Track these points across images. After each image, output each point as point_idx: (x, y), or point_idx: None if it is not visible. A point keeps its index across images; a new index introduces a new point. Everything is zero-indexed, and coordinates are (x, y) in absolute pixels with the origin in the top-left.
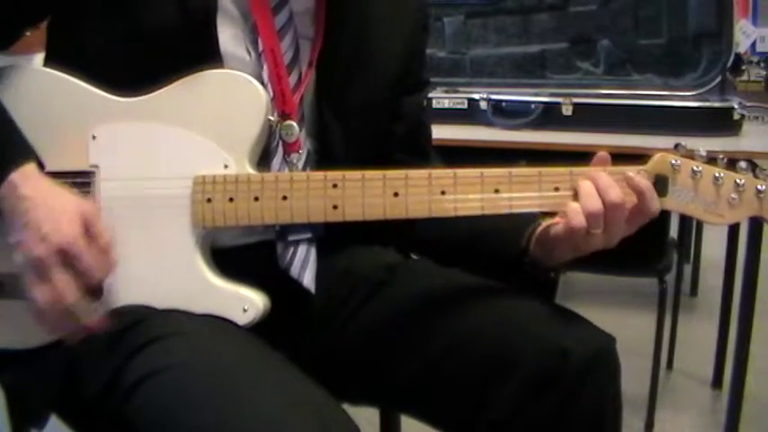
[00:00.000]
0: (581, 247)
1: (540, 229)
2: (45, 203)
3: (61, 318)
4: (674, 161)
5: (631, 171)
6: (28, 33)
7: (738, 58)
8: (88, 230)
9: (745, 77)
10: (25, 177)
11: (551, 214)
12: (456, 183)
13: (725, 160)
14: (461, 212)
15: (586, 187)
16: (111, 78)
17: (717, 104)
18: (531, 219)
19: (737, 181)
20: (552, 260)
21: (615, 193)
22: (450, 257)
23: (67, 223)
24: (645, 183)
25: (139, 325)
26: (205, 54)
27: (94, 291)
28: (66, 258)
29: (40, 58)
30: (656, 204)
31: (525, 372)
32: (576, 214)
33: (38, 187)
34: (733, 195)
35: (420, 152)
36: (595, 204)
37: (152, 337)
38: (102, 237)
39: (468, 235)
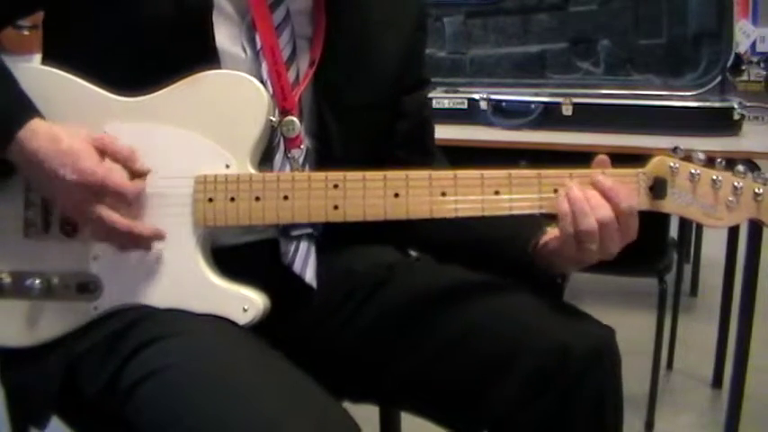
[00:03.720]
0: (579, 259)
1: (542, 240)
2: (56, 150)
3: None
4: (672, 164)
5: (630, 175)
6: (26, 33)
7: (738, 58)
8: (105, 153)
9: (745, 77)
10: (32, 132)
11: (554, 218)
12: (456, 184)
13: (723, 163)
14: (462, 214)
15: (581, 205)
16: (107, 76)
17: (717, 104)
18: (537, 228)
19: (735, 184)
20: (555, 270)
21: (606, 212)
22: (458, 261)
23: (82, 159)
24: (609, 184)
25: (139, 325)
26: (201, 52)
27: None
28: (96, 192)
29: (37, 59)
30: (630, 201)
31: (526, 367)
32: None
33: (46, 135)
34: (731, 198)
35: (423, 150)
36: (590, 223)
37: (152, 336)
38: (122, 151)
39: (477, 241)
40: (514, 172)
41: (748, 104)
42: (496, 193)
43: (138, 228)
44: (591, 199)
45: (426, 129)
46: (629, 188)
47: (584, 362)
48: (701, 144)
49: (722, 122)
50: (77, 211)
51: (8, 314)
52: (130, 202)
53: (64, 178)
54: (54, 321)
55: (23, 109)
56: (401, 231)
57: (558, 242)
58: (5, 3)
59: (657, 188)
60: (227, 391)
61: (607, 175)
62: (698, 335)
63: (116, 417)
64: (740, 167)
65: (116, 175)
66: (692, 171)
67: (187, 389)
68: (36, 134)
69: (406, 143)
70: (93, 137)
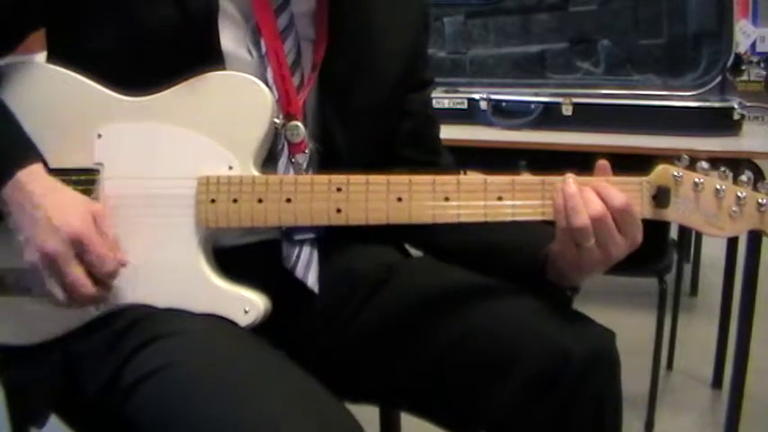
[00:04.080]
0: (580, 262)
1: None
2: (54, 197)
3: (80, 304)
4: (676, 173)
5: (633, 183)
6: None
7: (738, 58)
8: (98, 227)
9: (745, 77)
10: (31, 175)
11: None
12: (459, 189)
13: (726, 172)
14: (464, 219)
15: (575, 202)
16: (112, 78)
17: (717, 104)
18: (549, 238)
19: (739, 194)
20: (565, 282)
21: (596, 207)
22: (466, 267)
23: (78, 215)
24: (603, 182)
25: (140, 324)
26: (207, 54)
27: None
28: (79, 248)
29: (40, 57)
30: (624, 198)
31: (526, 371)
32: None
33: (45, 184)
34: (734, 208)
35: (429, 148)
36: (582, 219)
37: (152, 336)
38: (111, 233)
39: (486, 249)
40: (518, 178)
41: (748, 104)
42: (499, 198)
43: (98, 298)
44: (585, 195)
45: (431, 127)
46: (632, 195)
47: (584, 365)
48: (701, 144)
49: (722, 122)
50: (51, 263)
51: (9, 313)
52: (106, 275)
53: (53, 224)
54: (54, 320)
55: (26, 150)
56: (405, 234)
57: (558, 243)
58: (19, 21)
59: (660, 197)
60: (228, 390)
61: (611, 183)
62: (698, 335)
63: (116, 416)
64: (744, 177)
65: (102, 246)
66: (696, 180)
67: (188, 388)
68: (36, 178)
69: (412, 142)
70: (92, 205)
